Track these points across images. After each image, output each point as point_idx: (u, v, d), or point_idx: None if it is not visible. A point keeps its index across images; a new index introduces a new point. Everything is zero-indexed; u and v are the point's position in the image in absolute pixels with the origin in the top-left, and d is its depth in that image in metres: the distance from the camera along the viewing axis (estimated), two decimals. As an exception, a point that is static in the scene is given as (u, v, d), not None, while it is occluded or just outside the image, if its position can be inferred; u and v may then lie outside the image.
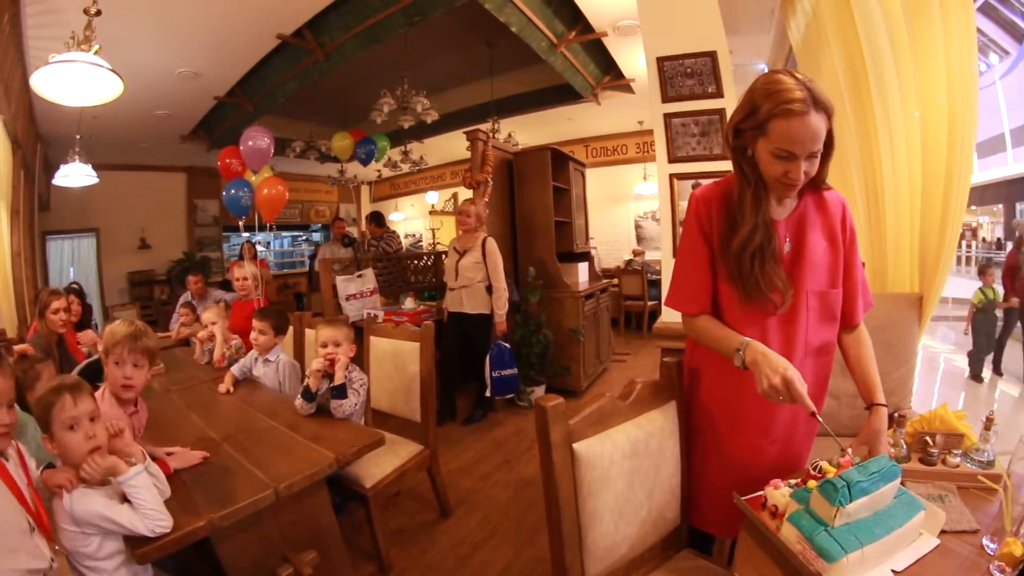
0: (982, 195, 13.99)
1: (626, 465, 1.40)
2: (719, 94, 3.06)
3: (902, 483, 1.19)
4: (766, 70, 6.15)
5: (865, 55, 2.34)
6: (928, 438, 1.52)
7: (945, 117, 2.24)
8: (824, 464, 1.24)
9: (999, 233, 14.02)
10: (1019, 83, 11.55)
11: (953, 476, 1.44)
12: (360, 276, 4.69)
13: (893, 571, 1.08)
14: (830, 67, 2.55)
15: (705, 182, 3.05)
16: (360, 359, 2.91)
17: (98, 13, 2.89)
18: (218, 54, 5.38)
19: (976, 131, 2.27)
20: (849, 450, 1.25)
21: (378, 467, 2.43)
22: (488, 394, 4.21)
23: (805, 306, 1.42)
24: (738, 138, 1.35)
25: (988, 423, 1.48)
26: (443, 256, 5.20)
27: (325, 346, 2.35)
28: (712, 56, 3.06)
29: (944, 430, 1.53)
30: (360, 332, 2.96)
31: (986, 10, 11.23)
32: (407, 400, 2.72)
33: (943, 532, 1.20)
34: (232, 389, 2.65)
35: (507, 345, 4.20)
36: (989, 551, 1.13)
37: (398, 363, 2.75)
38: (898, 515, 1.13)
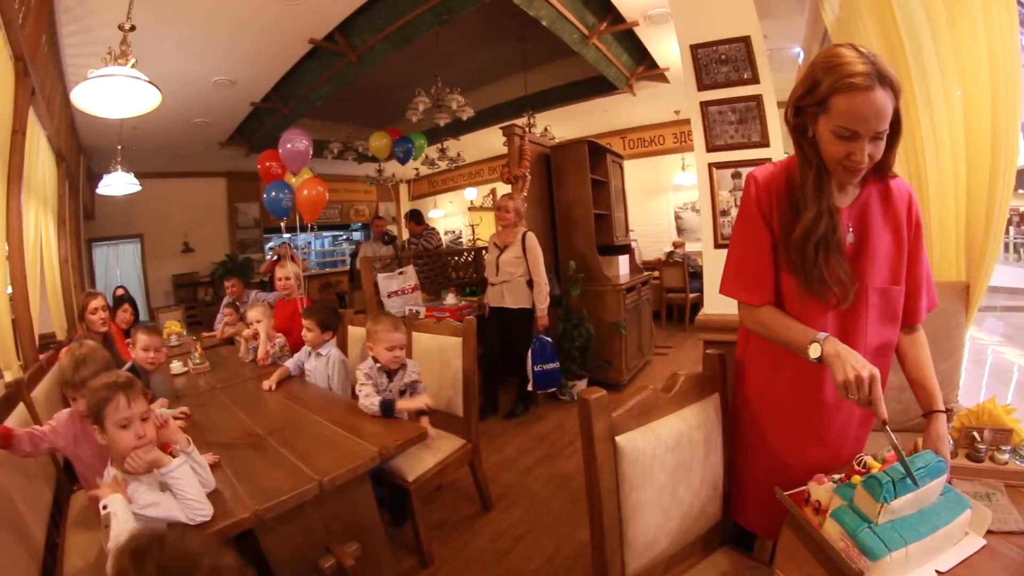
0: None
1: (668, 459, 1.39)
2: (755, 80, 2.99)
3: (948, 480, 1.15)
4: (801, 54, 6.00)
5: (902, 33, 2.25)
6: (975, 433, 1.45)
7: (988, 94, 2.14)
8: (869, 459, 1.21)
9: None
10: None
11: (1001, 474, 1.37)
12: (401, 273, 4.75)
13: (937, 571, 1.04)
14: (866, 45, 2.46)
15: (744, 170, 3.04)
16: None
17: (132, 28, 2.99)
18: (252, 61, 5.52)
19: (1020, 112, 2.15)
20: (891, 431, 1.16)
21: (420, 461, 2.46)
22: (530, 388, 4.21)
23: (866, 302, 1.34)
24: (798, 116, 1.27)
25: None
26: (483, 252, 5.23)
27: (392, 349, 2.44)
28: (746, 41, 3.00)
29: (992, 425, 1.46)
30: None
31: None
32: (450, 395, 2.75)
33: (989, 532, 1.15)
34: (275, 387, 2.72)
35: (548, 339, 4.20)
36: None
37: (441, 358, 2.79)
38: (944, 513, 1.09)
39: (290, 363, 2.93)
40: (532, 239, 4.17)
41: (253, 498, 1.56)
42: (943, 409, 1.31)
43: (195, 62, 5.27)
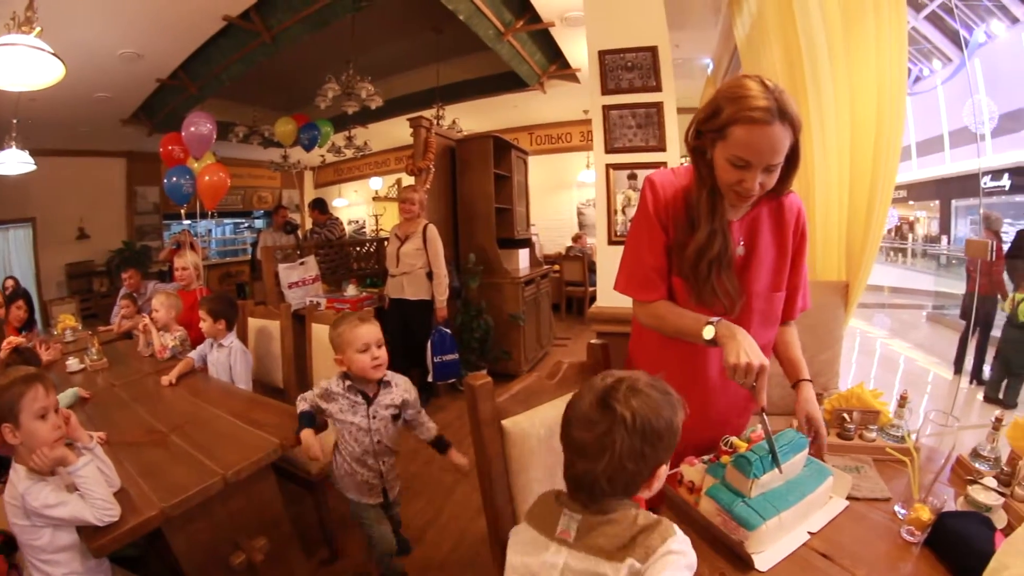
0: (920, 191, 14.73)
1: (554, 441, 1.38)
2: (658, 88, 3.14)
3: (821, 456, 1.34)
4: (711, 65, 6.33)
5: (803, 54, 2.46)
6: (845, 414, 1.65)
7: (874, 118, 2.40)
8: (735, 440, 1.35)
9: (935, 227, 14.83)
10: (959, 88, 12.14)
11: (869, 449, 1.57)
12: (302, 263, 4.62)
13: (809, 532, 1.19)
14: (770, 65, 2.67)
15: (640, 172, 3.20)
16: (302, 346, 2.94)
17: (40, -8, 2.74)
18: (162, 35, 5.18)
19: (902, 132, 2.44)
20: (766, 416, 1.27)
21: (323, 453, 2.44)
22: (430, 379, 4.23)
23: (750, 309, 1.42)
24: (698, 139, 1.31)
25: (902, 401, 1.62)
26: (385, 243, 5.19)
27: (366, 349, 1.97)
28: (653, 51, 3.15)
29: (861, 407, 1.68)
30: (302, 320, 2.98)
31: (932, 19, 11.83)
32: None
33: (859, 499, 1.33)
34: (175, 382, 2.62)
35: (447, 331, 4.24)
36: (900, 516, 1.25)
37: None
38: (809, 482, 1.25)
39: (194, 355, 2.82)
40: (433, 231, 4.18)
41: (159, 496, 1.51)
42: (808, 378, 1.45)
43: (102, 31, 4.88)
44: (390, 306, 4.32)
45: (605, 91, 3.19)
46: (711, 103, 1.25)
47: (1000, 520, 1.22)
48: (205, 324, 2.76)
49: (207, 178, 4.31)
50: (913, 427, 1.60)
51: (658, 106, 3.17)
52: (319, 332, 2.88)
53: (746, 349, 1.21)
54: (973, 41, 11.27)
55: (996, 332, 5.28)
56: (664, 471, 0.99)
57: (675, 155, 3.18)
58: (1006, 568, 0.94)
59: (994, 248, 4.80)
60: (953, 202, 13.73)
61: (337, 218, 6.72)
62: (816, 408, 1.38)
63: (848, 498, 1.33)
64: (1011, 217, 9.81)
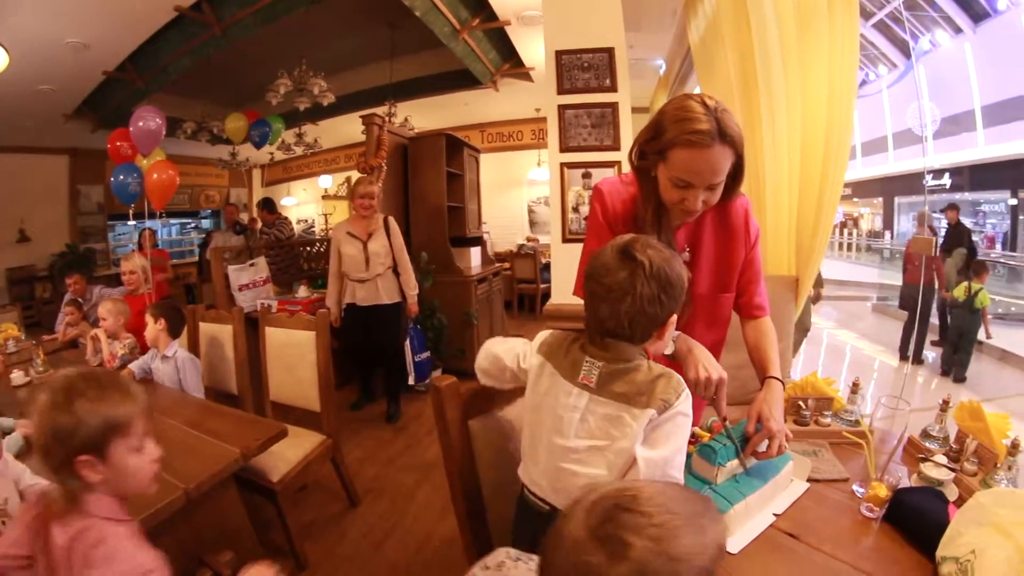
0: (865, 189, 15.46)
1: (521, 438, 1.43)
2: (613, 88, 3.18)
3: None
4: (663, 66, 6.45)
5: (756, 59, 2.54)
6: (801, 402, 1.73)
7: (824, 119, 2.49)
8: (696, 430, 1.40)
9: (879, 223, 15.57)
10: (904, 93, 12.79)
11: (825, 434, 1.65)
12: (252, 265, 4.51)
13: (774, 514, 1.25)
14: (723, 67, 2.75)
15: (595, 172, 3.25)
16: (256, 351, 2.86)
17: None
18: (111, 24, 4.95)
19: (851, 133, 2.55)
20: (728, 425, 1.32)
21: (283, 460, 2.39)
22: (411, 382, 4.17)
23: (695, 312, 1.44)
24: (642, 159, 1.32)
25: (855, 388, 1.71)
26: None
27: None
28: (610, 52, 3.19)
29: (815, 395, 1.76)
30: (254, 323, 2.91)
31: (880, 27, 12.48)
32: (306, 390, 2.68)
33: (819, 481, 1.39)
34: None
35: (417, 326, 4.21)
36: (858, 495, 1.32)
37: (294, 353, 2.70)
38: (771, 467, 1.30)
39: (134, 366, 2.69)
40: (395, 224, 4.00)
41: None
42: (775, 376, 1.41)
43: (48, 19, 4.62)
44: (352, 315, 3.92)
45: (561, 91, 3.21)
46: (654, 124, 1.27)
47: (952, 493, 1.29)
48: (149, 329, 2.65)
49: (155, 176, 4.16)
50: (864, 412, 1.68)
51: (613, 106, 3.21)
52: (273, 336, 2.82)
53: (704, 364, 1.26)
54: (918, 49, 12.06)
55: (933, 319, 5.85)
56: (673, 321, 1.10)
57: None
58: (960, 535, 1.02)
59: (937, 245, 5.17)
60: (896, 199, 14.54)
61: (286, 217, 6.57)
62: (771, 407, 1.31)
63: (808, 480, 1.39)
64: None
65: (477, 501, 1.39)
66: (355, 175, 8.53)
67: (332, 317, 3.81)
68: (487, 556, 1.00)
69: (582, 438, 1.10)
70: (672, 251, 1.10)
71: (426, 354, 4.23)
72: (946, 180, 12.23)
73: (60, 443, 0.97)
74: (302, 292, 4.52)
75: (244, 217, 8.74)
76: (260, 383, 2.88)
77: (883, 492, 1.21)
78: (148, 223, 4.76)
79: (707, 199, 1.26)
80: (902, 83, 12.92)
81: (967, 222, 11.95)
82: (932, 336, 6.20)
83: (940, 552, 1.04)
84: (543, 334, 1.24)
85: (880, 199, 15.05)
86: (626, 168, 1.57)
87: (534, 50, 6.20)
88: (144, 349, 2.85)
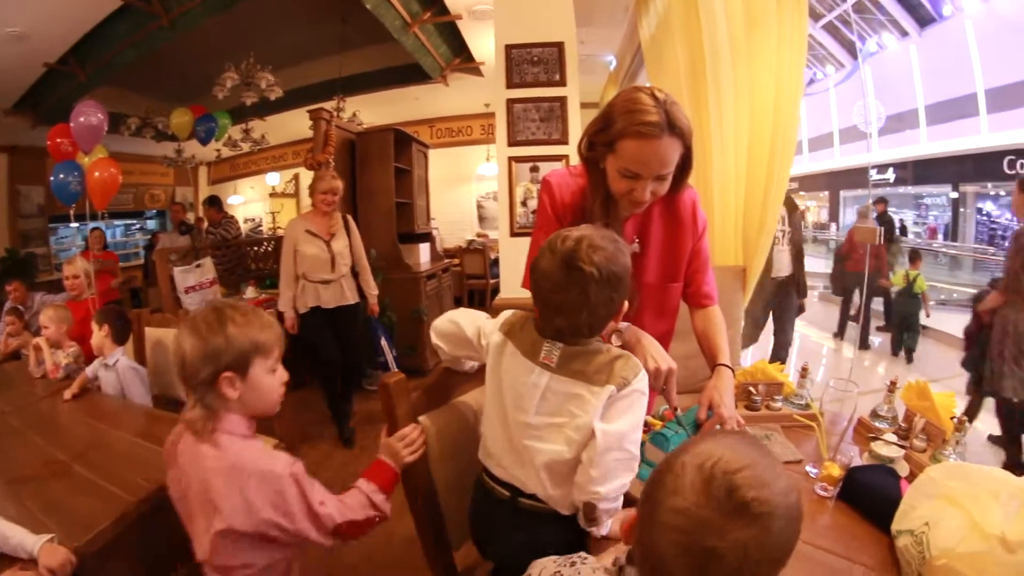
0: (811, 183, 16.00)
1: (473, 434, 1.41)
2: (562, 83, 3.22)
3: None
4: (613, 62, 6.50)
5: (706, 56, 2.59)
6: (752, 387, 1.76)
7: (771, 115, 2.57)
8: (648, 418, 1.42)
9: (824, 215, 16.17)
10: (850, 92, 13.32)
11: (776, 418, 1.69)
12: (199, 266, 4.36)
13: None
14: (673, 63, 2.78)
15: (543, 165, 3.26)
16: None
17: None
18: (52, 13, 4.71)
19: (797, 130, 2.66)
20: (679, 415, 1.35)
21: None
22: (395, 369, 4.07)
23: (643, 301, 1.46)
24: (591, 150, 1.33)
25: (804, 372, 1.75)
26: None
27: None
28: (559, 47, 3.22)
29: (765, 380, 1.80)
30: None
31: (829, 28, 12.97)
32: None
33: None
34: (78, 392, 2.40)
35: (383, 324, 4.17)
36: (812, 475, 1.36)
37: None
38: None
39: (89, 370, 2.57)
40: (353, 222, 3.81)
41: (70, 535, 1.35)
42: (725, 363, 1.42)
43: None
44: (318, 318, 3.58)
45: (510, 85, 3.24)
46: (603, 116, 1.28)
47: (903, 469, 1.35)
48: (94, 336, 2.54)
49: (97, 174, 3.96)
50: (814, 395, 1.73)
51: (562, 100, 3.25)
52: None
53: (653, 355, 1.27)
54: (865, 50, 12.64)
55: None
56: (624, 304, 1.13)
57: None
58: (914, 509, 1.06)
59: (882, 234, 5.46)
60: (842, 192, 15.15)
61: (232, 216, 6.40)
62: (722, 394, 1.33)
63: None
64: (894, 206, 11.05)
65: (432, 498, 1.37)
66: (303, 172, 8.39)
67: (289, 324, 3.45)
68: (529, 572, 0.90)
69: (542, 415, 1.12)
70: (612, 238, 1.10)
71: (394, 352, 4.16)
72: (890, 175, 12.76)
73: (210, 361, 1.11)
74: (250, 293, 4.41)
75: (190, 217, 8.47)
76: None
77: (836, 471, 1.25)
78: (92, 224, 4.57)
79: (655, 190, 1.28)
80: (849, 82, 13.47)
81: (910, 215, 12.61)
82: (877, 322, 6.57)
83: (895, 526, 1.08)
84: (506, 313, 1.24)
85: (826, 192, 15.60)
86: (575, 162, 1.56)
87: (485, 44, 6.18)
88: (90, 358, 2.72)
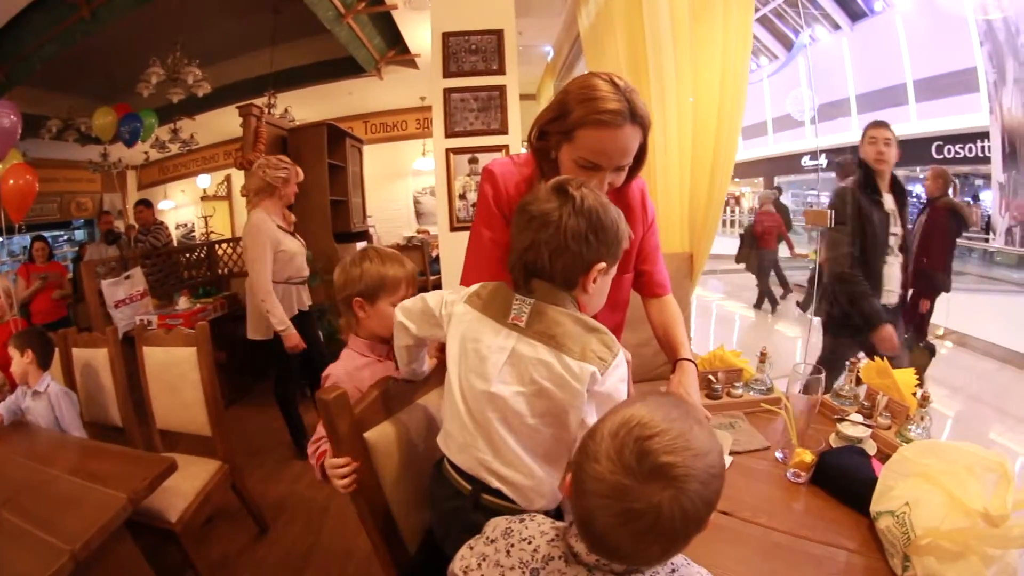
0: (746, 170, 16.63)
1: (428, 444, 1.29)
2: (501, 71, 3.16)
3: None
4: (551, 53, 6.47)
5: (648, 46, 2.56)
6: (711, 376, 1.73)
7: (716, 105, 2.57)
8: None
9: (758, 202, 16.93)
10: (784, 82, 13.88)
11: (739, 405, 1.67)
12: (128, 277, 4.06)
13: None
14: (613, 53, 2.76)
15: (482, 156, 3.18)
16: (135, 374, 2.52)
17: None
18: None
19: (742, 118, 2.66)
20: None
21: (180, 496, 2.14)
22: None
23: None
24: (542, 139, 1.26)
25: (763, 357, 1.74)
26: (226, 244, 4.72)
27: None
28: (499, 34, 3.16)
29: (724, 368, 1.77)
30: (132, 343, 2.56)
31: (763, 21, 13.48)
32: (194, 414, 2.40)
33: (741, 453, 1.40)
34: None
35: None
36: (782, 462, 1.33)
37: (176, 373, 2.41)
38: None
39: (2, 408, 2.33)
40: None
41: None
42: (687, 358, 1.36)
43: None
44: (301, 324, 3.19)
45: (447, 74, 3.16)
46: (558, 103, 1.21)
47: (871, 448, 1.34)
48: (14, 363, 2.31)
49: (11, 182, 3.67)
50: (778, 381, 1.71)
51: (501, 89, 3.18)
52: (152, 356, 2.49)
53: None
54: (799, 42, 13.19)
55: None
56: (601, 269, 1.00)
57: (517, 139, 3.21)
58: (891, 489, 1.05)
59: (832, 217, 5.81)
60: (776, 179, 15.80)
61: (162, 223, 6.05)
62: (688, 389, 1.28)
63: (731, 454, 1.39)
64: (827, 191, 11.51)
65: (387, 519, 1.25)
66: (236, 173, 8.02)
67: (296, 342, 3.04)
68: (483, 531, 0.88)
69: (507, 383, 0.98)
70: (616, 208, 1.03)
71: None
72: (822, 160, 13.33)
73: (347, 286, 1.43)
74: (183, 303, 4.14)
75: (120, 225, 8.04)
76: (145, 411, 2.55)
77: (808, 457, 1.23)
78: (17, 237, 4.23)
79: (613, 181, 1.22)
80: (782, 73, 13.97)
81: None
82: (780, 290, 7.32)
83: (874, 508, 1.07)
84: (475, 286, 1.11)
85: (761, 179, 16.17)
86: (515, 152, 1.49)
87: (420, 35, 6.02)
88: (13, 386, 2.47)
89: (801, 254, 7.27)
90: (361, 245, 5.40)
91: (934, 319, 3.95)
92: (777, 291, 7.28)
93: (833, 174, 13.03)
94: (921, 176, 11.47)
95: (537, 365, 0.96)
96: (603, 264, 0.99)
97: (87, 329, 3.03)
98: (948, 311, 4.50)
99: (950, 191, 4.18)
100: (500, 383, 0.98)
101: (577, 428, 0.96)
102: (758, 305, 7.30)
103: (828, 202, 2.73)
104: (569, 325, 0.98)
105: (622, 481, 0.65)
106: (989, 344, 5.28)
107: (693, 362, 1.35)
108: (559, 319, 0.98)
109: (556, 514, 1.05)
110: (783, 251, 7.35)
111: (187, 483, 2.19)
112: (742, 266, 7.49)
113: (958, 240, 4.22)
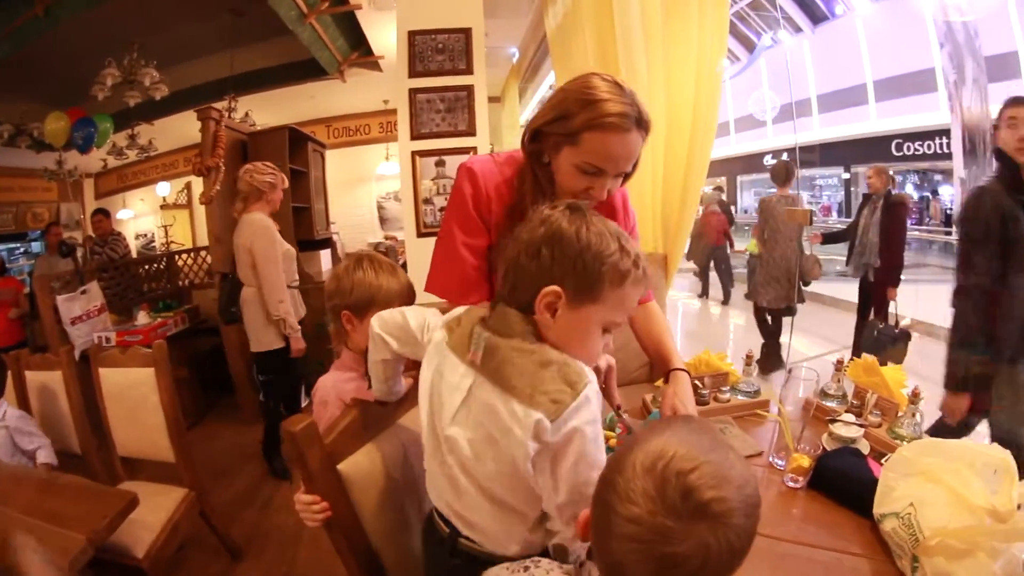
0: (710, 169, 17.08)
1: (408, 470, 1.24)
2: (469, 71, 3.10)
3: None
4: (516, 54, 6.44)
5: (619, 44, 2.51)
6: (697, 381, 1.66)
7: (691, 104, 2.55)
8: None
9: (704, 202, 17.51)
10: (745, 83, 14.19)
11: (727, 409, 1.64)
12: (84, 292, 3.84)
13: None
14: (581, 52, 2.71)
15: (450, 159, 3.11)
16: (94, 395, 2.36)
17: None
18: None
19: (716, 118, 2.65)
20: (624, 414, 1.26)
21: (146, 529, 2.02)
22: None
23: None
24: (536, 141, 1.19)
25: (748, 360, 1.72)
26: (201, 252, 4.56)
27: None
28: (467, 33, 3.11)
29: (710, 372, 1.74)
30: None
31: None
32: (155, 439, 2.26)
33: None
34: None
35: None
36: (779, 467, 1.31)
37: (136, 396, 2.26)
38: None
39: None
40: None
41: None
42: (681, 368, 1.31)
43: None
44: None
45: (413, 73, 3.09)
46: (558, 105, 1.14)
47: (864, 447, 1.33)
48: None
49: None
50: (771, 385, 1.71)
51: (468, 89, 3.13)
52: (109, 378, 2.34)
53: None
54: (761, 45, 13.56)
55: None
56: (552, 293, 0.83)
57: (485, 140, 3.17)
58: (893, 490, 1.04)
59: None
60: (739, 177, 16.16)
61: (119, 233, 5.81)
62: (684, 401, 1.23)
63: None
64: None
65: (368, 555, 1.17)
66: (196, 180, 7.78)
67: (302, 346, 3.17)
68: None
69: (462, 426, 0.88)
70: (615, 232, 0.89)
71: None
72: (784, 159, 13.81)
73: (337, 295, 1.37)
74: (142, 319, 3.96)
75: (78, 236, 7.74)
76: (105, 435, 2.39)
77: (806, 462, 1.21)
78: None
79: (612, 188, 1.17)
80: (744, 75, 14.36)
81: (806, 195, 13.73)
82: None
83: (877, 509, 1.05)
84: (459, 308, 1.01)
85: (723, 178, 16.59)
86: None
87: (385, 36, 5.91)
88: None
89: (740, 251, 7.76)
90: (325, 254, 5.33)
91: (901, 310, 4.11)
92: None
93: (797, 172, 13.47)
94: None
95: (487, 410, 0.85)
96: (555, 288, 0.83)
97: (43, 348, 2.87)
98: (917, 301, 4.66)
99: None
100: (455, 426, 0.89)
101: (535, 481, 0.84)
102: (704, 295, 8.17)
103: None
104: (519, 361, 0.84)
105: (665, 523, 0.58)
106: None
107: (687, 372, 1.30)
108: (510, 356, 0.85)
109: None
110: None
111: (153, 515, 2.08)
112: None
113: (919, 233, 4.48)
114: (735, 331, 6.99)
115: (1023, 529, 0.88)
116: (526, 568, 0.77)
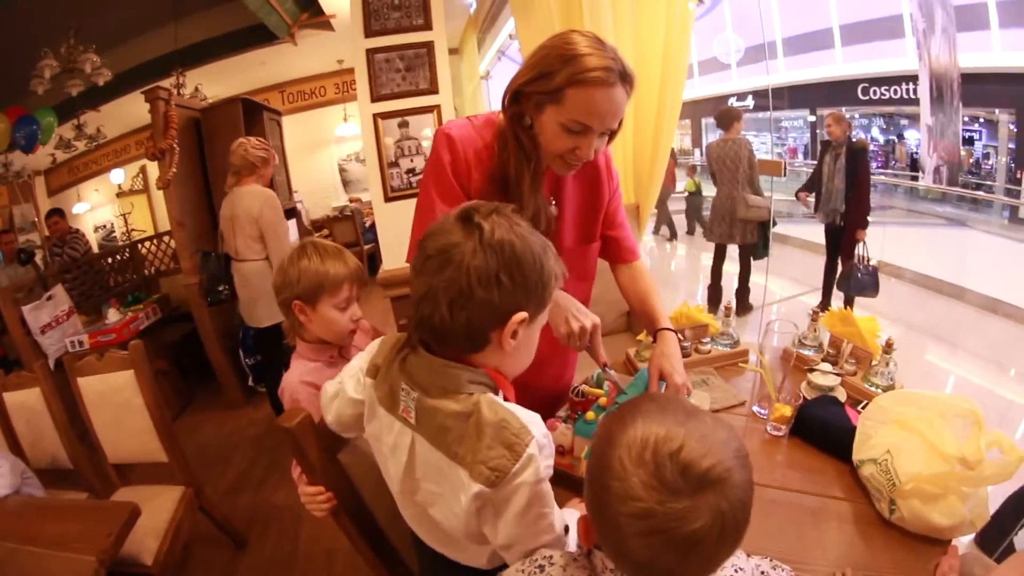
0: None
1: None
2: (428, 27, 2.96)
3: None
4: (474, 5, 6.25)
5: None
6: (679, 334, 1.70)
7: (660, 50, 2.51)
8: (584, 388, 1.34)
9: (687, 142, 17.38)
10: (709, 26, 14.03)
11: (708, 360, 1.69)
12: (50, 298, 3.70)
13: None
14: (545, 6, 2.61)
15: (413, 120, 3.04)
16: (73, 409, 2.32)
17: None
18: None
19: (687, 66, 2.62)
20: (611, 371, 1.26)
21: (151, 535, 2.02)
22: (251, 383, 3.77)
23: (565, 267, 1.33)
24: (516, 103, 1.14)
25: (727, 311, 1.75)
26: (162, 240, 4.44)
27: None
28: (425, -15, 2.97)
29: (690, 324, 1.77)
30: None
31: None
32: (145, 442, 2.24)
33: (719, 411, 1.43)
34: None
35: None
36: (761, 416, 1.36)
37: (119, 401, 2.23)
38: None
39: None
40: None
41: None
42: (668, 327, 1.33)
43: None
44: None
45: (369, 33, 2.94)
46: (537, 64, 1.09)
47: (841, 395, 1.39)
48: None
49: None
50: (752, 336, 1.72)
51: (428, 46, 3.01)
52: (89, 386, 2.29)
53: (574, 313, 1.15)
54: None
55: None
56: (521, 320, 0.79)
57: (448, 98, 3.08)
58: (870, 438, 1.11)
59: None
60: (703, 120, 16.20)
61: (77, 230, 5.57)
62: (671, 361, 1.24)
63: (710, 412, 1.39)
64: (753, 130, 12.26)
65: (377, 536, 1.19)
66: (149, 164, 7.51)
67: None
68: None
69: (412, 483, 0.89)
70: (536, 233, 0.84)
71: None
72: (749, 101, 13.78)
73: (285, 288, 1.33)
74: (112, 316, 3.85)
75: (35, 238, 7.47)
76: (93, 445, 2.35)
77: (788, 411, 1.26)
78: None
79: (599, 147, 1.14)
80: (707, 17, 14.31)
81: (770, 137, 13.76)
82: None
83: (856, 456, 1.12)
84: (374, 344, 0.96)
85: (688, 121, 16.55)
86: (448, 113, 1.34)
87: (335, -5, 5.72)
88: None
89: (680, 192, 8.84)
90: (291, 224, 5.19)
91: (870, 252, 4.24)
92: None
93: (762, 114, 13.45)
94: (848, 116, 12.23)
95: (433, 469, 0.84)
96: (523, 314, 0.79)
97: (16, 363, 2.77)
98: (883, 244, 4.76)
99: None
100: (407, 482, 0.89)
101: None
102: (656, 232, 8.99)
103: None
104: (457, 428, 0.79)
105: (675, 506, 0.57)
106: (921, 275, 5.75)
107: (674, 331, 1.32)
108: (445, 422, 0.80)
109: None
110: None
111: (155, 518, 2.07)
112: (673, 207, 8.86)
113: (884, 177, 4.57)
114: (677, 261, 8.48)
115: (990, 475, 0.96)
116: (541, 568, 0.75)
